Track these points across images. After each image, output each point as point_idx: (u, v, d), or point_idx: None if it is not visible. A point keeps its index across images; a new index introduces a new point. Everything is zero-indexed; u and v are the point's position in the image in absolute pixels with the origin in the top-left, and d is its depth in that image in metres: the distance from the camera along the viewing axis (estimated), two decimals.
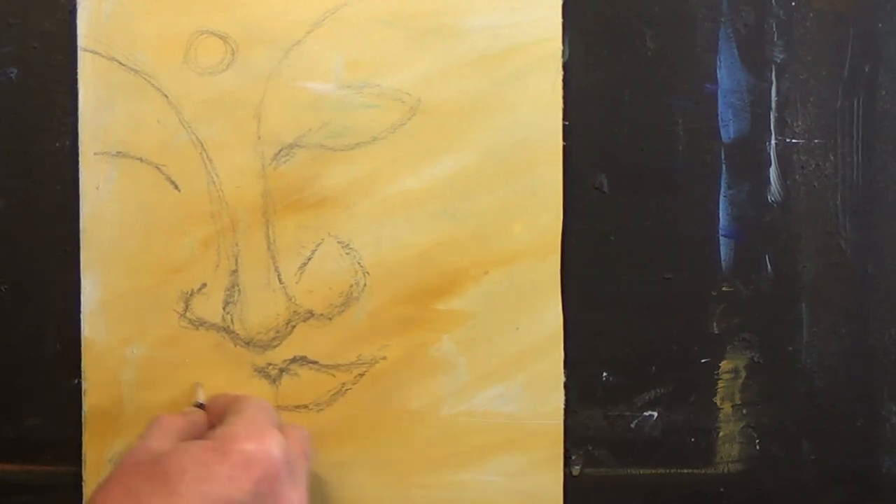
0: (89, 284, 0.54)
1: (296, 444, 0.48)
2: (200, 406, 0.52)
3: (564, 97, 0.54)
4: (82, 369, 0.54)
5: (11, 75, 0.55)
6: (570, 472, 0.55)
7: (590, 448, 0.55)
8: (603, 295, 0.55)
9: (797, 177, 0.55)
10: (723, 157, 0.55)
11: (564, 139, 0.55)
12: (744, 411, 0.56)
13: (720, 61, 0.55)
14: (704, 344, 0.56)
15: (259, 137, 0.54)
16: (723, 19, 0.55)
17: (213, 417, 0.50)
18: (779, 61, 0.55)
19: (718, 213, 0.55)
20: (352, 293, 0.55)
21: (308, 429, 0.51)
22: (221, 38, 0.54)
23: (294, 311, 0.55)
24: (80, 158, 0.54)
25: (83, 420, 0.54)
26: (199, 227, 0.54)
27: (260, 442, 0.45)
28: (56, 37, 0.54)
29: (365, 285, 0.55)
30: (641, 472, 0.56)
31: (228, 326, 0.55)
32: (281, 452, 0.46)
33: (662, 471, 0.56)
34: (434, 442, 0.55)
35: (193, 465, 0.44)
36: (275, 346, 0.55)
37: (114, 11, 0.54)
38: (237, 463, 0.44)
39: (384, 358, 0.55)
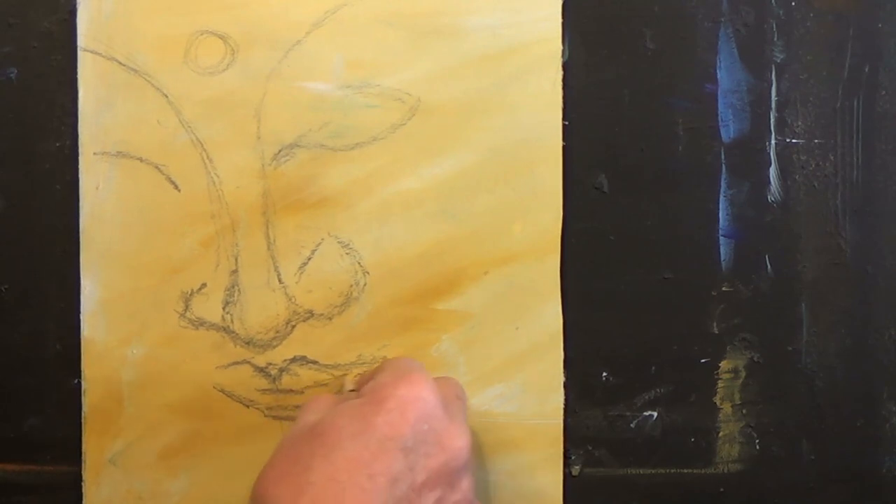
0: (89, 284, 0.54)
1: (448, 388, 0.49)
2: (353, 391, 0.52)
3: (564, 97, 0.54)
4: (82, 369, 0.54)
5: (11, 75, 0.55)
6: (570, 472, 0.55)
7: (590, 448, 0.55)
8: (603, 295, 0.55)
9: (797, 177, 0.55)
10: (723, 157, 0.55)
11: (564, 139, 0.55)
12: (744, 411, 0.56)
13: (720, 61, 0.55)
14: (704, 344, 0.56)
15: (259, 137, 0.54)
16: (723, 19, 0.55)
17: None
18: (779, 61, 0.55)
19: (718, 213, 0.55)
20: (352, 293, 0.55)
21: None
22: (221, 38, 0.54)
23: (294, 311, 0.55)
24: (80, 158, 0.54)
25: (83, 420, 0.54)
26: (199, 227, 0.54)
27: (409, 385, 0.46)
28: (56, 37, 0.54)
29: (365, 285, 0.55)
30: (641, 472, 0.56)
31: (228, 326, 0.55)
32: (432, 393, 0.46)
33: (662, 471, 0.56)
34: None
35: (349, 420, 0.45)
36: (275, 346, 0.55)
37: (114, 11, 0.54)
38: (391, 408, 0.45)
39: (384, 357, 0.55)
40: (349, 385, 0.54)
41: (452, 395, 0.49)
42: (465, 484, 0.47)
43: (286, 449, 0.46)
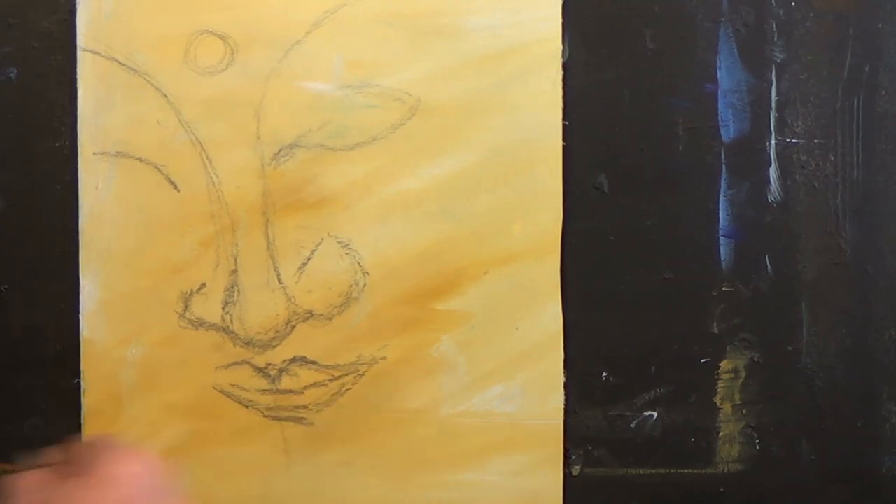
0: (89, 284, 0.54)
1: (154, 465, 0.46)
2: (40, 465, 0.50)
3: (564, 97, 0.54)
4: (82, 369, 0.54)
5: (11, 75, 0.55)
6: (570, 472, 0.55)
7: (590, 448, 0.55)
8: (603, 295, 0.55)
9: (797, 177, 0.55)
10: (723, 157, 0.55)
11: (564, 139, 0.55)
12: (744, 411, 0.56)
13: (720, 61, 0.55)
14: (704, 344, 0.55)
15: (259, 137, 0.54)
16: (723, 19, 0.55)
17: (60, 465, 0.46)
18: (779, 61, 0.55)
19: (718, 213, 0.55)
20: (351, 293, 0.55)
21: (308, 429, 0.51)
22: (221, 38, 0.54)
23: (294, 311, 0.55)
24: (80, 158, 0.54)
25: (83, 420, 0.54)
26: (199, 227, 0.54)
27: (126, 462, 0.42)
28: (56, 37, 0.54)
29: (365, 285, 0.55)
30: (641, 472, 0.56)
31: (228, 326, 0.55)
32: (139, 467, 0.43)
33: (662, 471, 0.56)
34: (434, 442, 0.55)
35: (42, 495, 0.42)
36: (274, 346, 0.55)
37: (114, 11, 0.54)
38: (99, 485, 0.42)
39: (384, 358, 0.55)
40: (29, 464, 0.50)
41: (159, 472, 0.44)
42: None
43: None
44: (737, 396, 0.56)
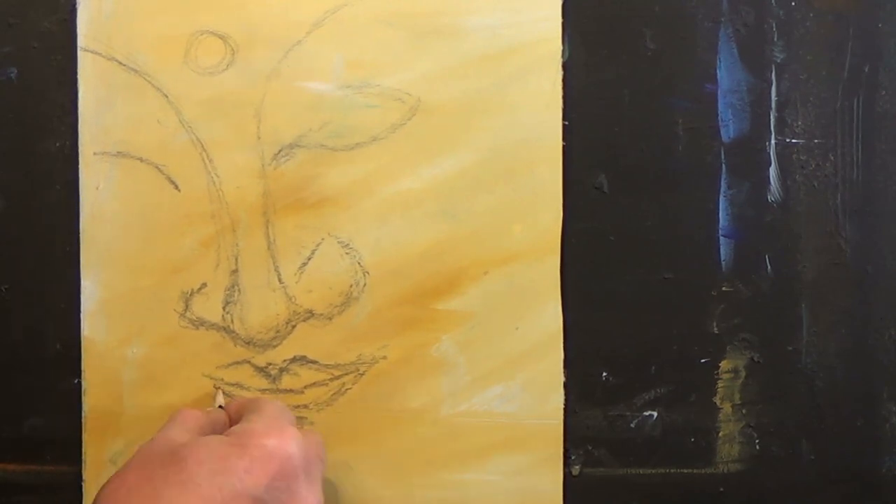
0: (89, 284, 0.54)
1: (313, 447, 0.48)
2: (221, 408, 0.52)
3: (564, 97, 0.54)
4: (82, 369, 0.54)
5: (11, 75, 0.55)
6: (570, 472, 0.55)
7: (590, 448, 0.55)
8: (603, 295, 0.55)
9: (797, 177, 0.55)
10: (723, 157, 0.55)
11: (564, 139, 0.55)
12: (744, 411, 0.56)
13: (720, 61, 0.55)
14: (704, 344, 0.56)
15: (259, 137, 0.54)
16: (723, 19, 0.55)
17: (232, 419, 0.50)
18: (779, 61, 0.55)
19: (718, 213, 0.55)
20: (352, 293, 0.55)
21: (308, 429, 0.51)
22: (221, 38, 0.54)
23: (294, 311, 0.55)
24: (80, 158, 0.54)
25: (83, 420, 0.54)
26: (199, 227, 0.54)
27: (278, 438, 0.46)
28: (56, 37, 0.54)
29: (365, 285, 0.55)
30: (641, 472, 0.56)
31: (228, 326, 0.55)
32: (298, 450, 0.46)
33: (662, 471, 0.56)
34: (434, 442, 0.55)
35: (211, 456, 0.44)
36: (275, 346, 0.55)
37: (114, 11, 0.54)
38: (255, 457, 0.45)
39: (384, 358, 0.55)
40: (219, 401, 0.53)
41: (315, 456, 0.48)
42: None
43: (142, 463, 0.45)
44: (737, 396, 0.56)
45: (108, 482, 0.44)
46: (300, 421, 0.54)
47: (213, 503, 0.43)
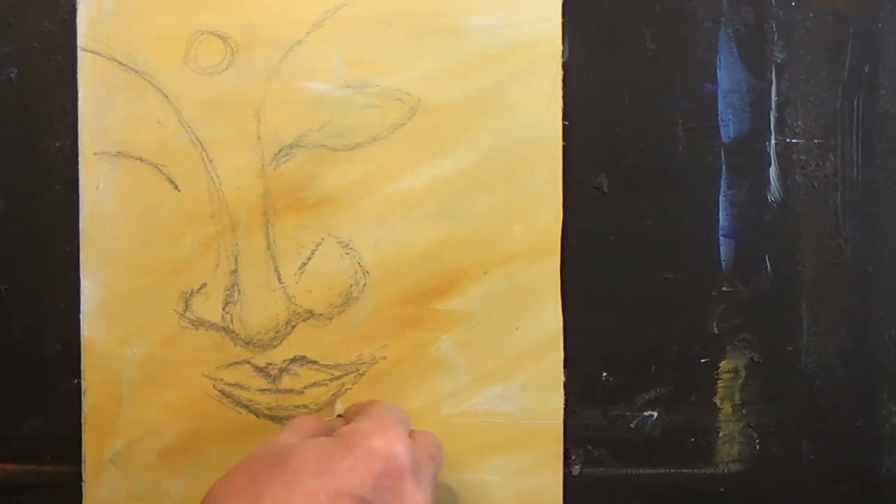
0: (89, 284, 0.54)
1: (423, 448, 0.48)
2: (340, 417, 0.52)
3: (564, 97, 0.54)
4: (82, 369, 0.54)
5: (11, 75, 0.55)
6: (570, 472, 0.55)
7: (590, 448, 0.55)
8: (603, 295, 0.55)
9: (797, 177, 0.55)
10: (723, 157, 0.55)
11: (564, 139, 0.55)
12: (744, 411, 0.56)
13: (720, 61, 0.55)
14: (704, 344, 0.56)
15: (259, 137, 0.54)
16: (723, 19, 0.55)
17: (349, 423, 0.50)
18: (779, 61, 0.55)
19: (718, 213, 0.55)
20: (352, 293, 0.55)
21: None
22: (221, 38, 0.54)
23: (294, 311, 0.55)
24: (80, 158, 0.54)
25: (83, 420, 0.54)
26: (199, 227, 0.54)
27: (384, 437, 0.45)
28: (56, 37, 0.54)
29: (365, 285, 0.55)
30: (641, 472, 0.56)
31: (228, 326, 0.55)
32: (405, 450, 0.45)
33: (662, 471, 0.56)
34: None
35: (315, 456, 0.44)
36: (275, 346, 0.55)
37: (114, 11, 0.54)
38: (359, 456, 0.44)
39: (384, 358, 0.55)
40: (339, 409, 0.53)
41: (426, 456, 0.48)
42: None
43: (250, 464, 0.45)
44: (737, 396, 0.56)
45: (215, 484, 0.45)
46: (302, 410, 0.54)
47: (317, 502, 0.43)
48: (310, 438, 0.46)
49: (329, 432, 0.48)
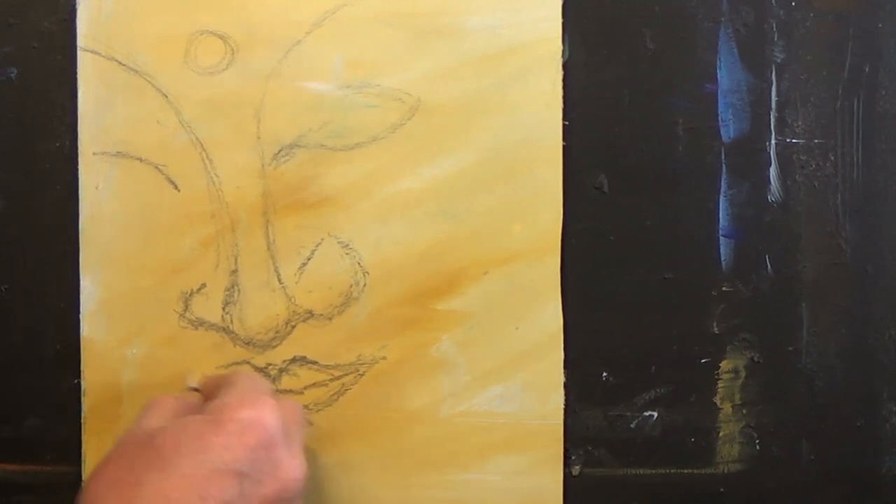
0: (89, 284, 0.54)
1: (290, 413, 0.48)
2: (196, 390, 0.52)
3: (564, 97, 0.54)
4: (82, 369, 0.54)
5: (11, 75, 0.55)
6: (570, 472, 0.55)
7: (590, 448, 0.55)
8: (603, 295, 0.55)
9: (797, 177, 0.55)
10: (723, 157, 0.55)
11: (564, 139, 0.55)
12: (744, 411, 0.56)
13: (720, 61, 0.55)
14: (704, 344, 0.56)
15: (259, 137, 0.54)
16: (723, 19, 0.55)
17: (207, 397, 0.50)
18: (779, 61, 0.55)
19: (718, 213, 0.55)
20: (351, 293, 0.55)
21: (308, 429, 0.51)
22: (221, 38, 0.54)
23: (294, 311, 0.55)
24: (80, 158, 0.54)
25: (83, 420, 0.54)
26: (199, 227, 0.54)
27: (253, 409, 0.46)
28: (56, 37, 0.54)
29: (365, 285, 0.55)
30: (641, 472, 0.56)
31: (228, 326, 0.55)
32: (275, 419, 0.46)
33: (662, 471, 0.56)
34: (434, 442, 0.55)
35: (188, 437, 0.44)
36: (274, 346, 0.55)
37: (114, 11, 0.54)
38: (231, 431, 0.45)
39: (384, 358, 0.55)
40: (192, 382, 0.53)
41: (293, 422, 0.48)
42: None
43: (121, 454, 0.45)
44: (737, 396, 0.56)
45: (90, 477, 0.44)
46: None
47: (195, 482, 0.43)
48: (177, 419, 0.46)
49: (189, 409, 0.48)
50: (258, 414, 0.45)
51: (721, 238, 0.55)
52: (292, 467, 0.46)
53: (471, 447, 0.55)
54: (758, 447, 0.56)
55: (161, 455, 0.44)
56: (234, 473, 0.44)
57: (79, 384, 0.54)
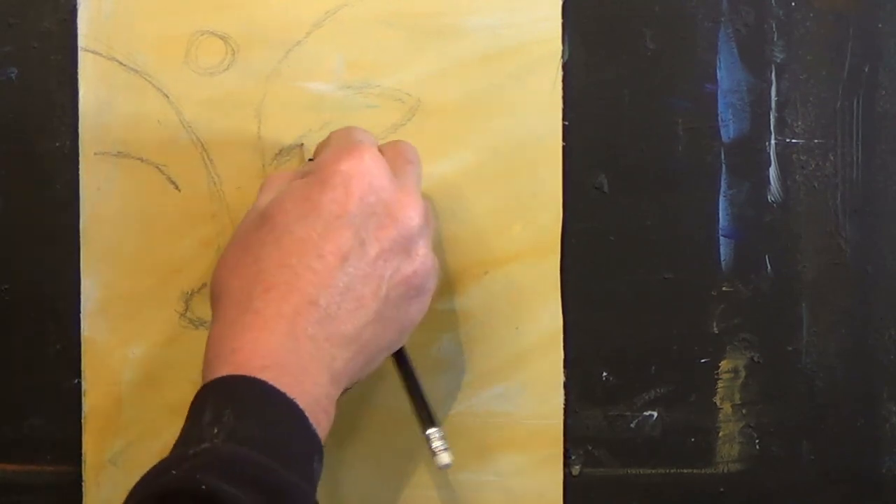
0: (89, 284, 0.54)
1: (396, 155, 0.48)
2: (311, 161, 0.52)
3: (564, 97, 0.54)
4: (82, 369, 0.54)
5: (11, 75, 0.55)
6: (570, 472, 0.55)
7: (590, 448, 0.55)
8: (603, 295, 0.55)
9: (797, 177, 0.55)
10: (723, 157, 0.55)
11: (564, 139, 0.55)
12: (744, 411, 0.56)
13: (720, 61, 0.55)
14: (704, 344, 0.56)
15: (259, 137, 0.54)
16: (723, 19, 0.55)
17: None
18: (779, 61, 0.55)
19: (718, 213, 0.55)
20: None
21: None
22: (222, 38, 0.54)
23: None
24: (81, 158, 0.54)
25: (83, 420, 0.54)
26: (200, 227, 0.54)
27: (350, 158, 0.45)
28: (56, 37, 0.54)
29: None
30: (641, 472, 0.56)
31: None
32: (376, 164, 0.46)
33: (662, 471, 0.56)
34: None
35: (295, 203, 0.45)
36: None
37: (114, 11, 0.54)
38: (336, 185, 0.45)
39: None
40: (307, 153, 0.53)
41: (402, 162, 0.48)
42: (422, 251, 0.46)
43: (238, 238, 0.46)
44: (737, 396, 0.56)
45: (214, 269, 0.46)
46: None
47: (310, 243, 0.44)
48: (282, 190, 0.46)
49: (298, 178, 0.48)
50: (358, 162, 0.45)
51: (721, 238, 0.55)
52: (406, 206, 0.46)
53: (471, 447, 0.55)
54: (758, 447, 0.56)
55: (273, 227, 0.45)
56: (347, 226, 0.44)
57: (79, 384, 0.54)
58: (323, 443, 0.43)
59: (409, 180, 0.47)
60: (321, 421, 0.43)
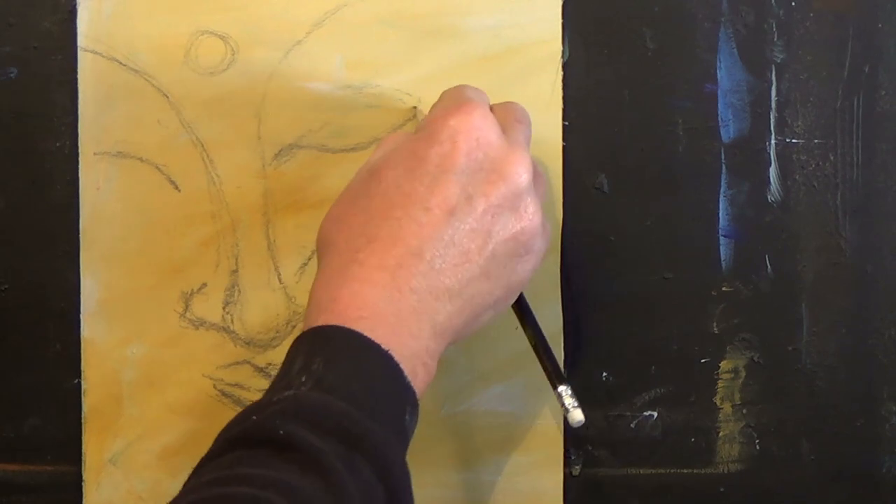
0: (89, 284, 0.54)
1: (506, 114, 0.48)
2: None
3: (564, 97, 0.55)
4: (82, 369, 0.54)
5: (11, 75, 0.55)
6: (570, 472, 0.55)
7: (590, 448, 0.55)
8: (603, 295, 0.55)
9: (797, 177, 0.55)
10: (723, 157, 0.55)
11: (564, 139, 0.55)
12: (744, 411, 0.56)
13: (720, 61, 0.55)
14: (704, 344, 0.56)
15: (259, 137, 0.54)
16: (723, 19, 0.55)
17: None
18: (779, 61, 0.55)
19: (718, 213, 0.55)
20: None
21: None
22: (222, 38, 0.54)
23: (294, 311, 0.55)
24: (80, 158, 0.54)
25: (83, 420, 0.54)
26: (199, 227, 0.54)
27: (458, 114, 0.45)
28: (56, 37, 0.54)
29: None
30: (641, 472, 0.56)
31: (228, 326, 0.55)
32: (484, 120, 0.46)
33: (662, 471, 0.56)
34: (434, 442, 0.55)
35: (402, 159, 0.45)
36: (275, 346, 0.55)
37: (114, 11, 0.54)
38: (443, 140, 0.45)
39: None
40: (422, 117, 0.53)
41: (512, 120, 0.48)
42: (531, 209, 0.46)
43: (347, 192, 0.47)
44: (737, 396, 0.56)
45: (323, 220, 0.46)
46: None
47: (416, 197, 0.44)
48: (392, 145, 0.47)
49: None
50: (466, 117, 0.45)
51: (721, 238, 0.55)
52: (514, 162, 0.45)
53: (471, 447, 0.55)
54: (758, 447, 0.56)
55: (380, 181, 0.45)
56: (453, 181, 0.44)
57: (79, 384, 0.54)
58: (419, 397, 0.43)
59: (519, 138, 0.47)
60: (419, 374, 0.43)
